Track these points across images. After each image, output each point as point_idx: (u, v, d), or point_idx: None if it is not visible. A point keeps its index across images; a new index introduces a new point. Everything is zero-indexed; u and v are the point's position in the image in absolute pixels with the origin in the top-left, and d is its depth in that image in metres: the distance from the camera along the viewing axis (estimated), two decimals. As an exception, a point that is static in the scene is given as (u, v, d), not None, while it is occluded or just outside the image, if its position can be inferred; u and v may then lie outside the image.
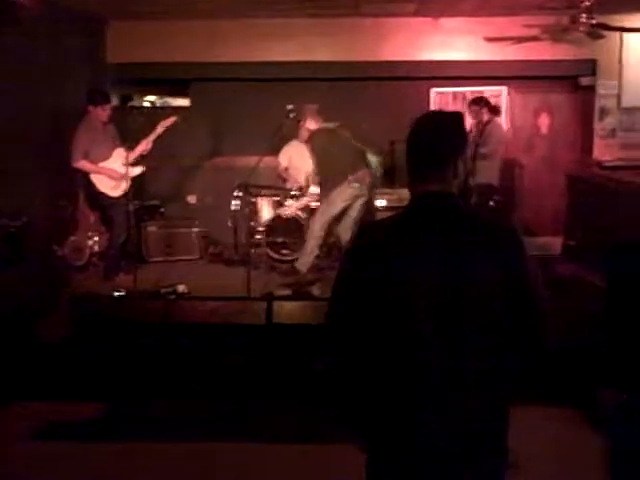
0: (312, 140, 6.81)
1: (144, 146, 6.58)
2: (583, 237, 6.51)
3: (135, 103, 9.46)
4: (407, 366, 1.90)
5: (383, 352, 1.94)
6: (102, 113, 6.42)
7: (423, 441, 1.90)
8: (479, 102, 7.65)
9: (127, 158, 6.18)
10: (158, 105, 9.84)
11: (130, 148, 6.40)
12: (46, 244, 6.26)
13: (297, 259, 6.66)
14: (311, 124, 6.82)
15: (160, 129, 6.59)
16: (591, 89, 8.63)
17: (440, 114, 2.18)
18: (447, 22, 8.34)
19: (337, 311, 2.05)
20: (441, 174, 1.98)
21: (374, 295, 1.93)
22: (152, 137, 6.60)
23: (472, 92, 8.73)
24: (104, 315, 5.25)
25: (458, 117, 2.11)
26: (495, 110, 7.66)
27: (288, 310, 5.29)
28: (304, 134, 7.49)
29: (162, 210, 8.07)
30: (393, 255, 1.92)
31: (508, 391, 2.00)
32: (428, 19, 8.31)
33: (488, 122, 7.48)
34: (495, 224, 2.05)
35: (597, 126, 8.64)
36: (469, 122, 7.67)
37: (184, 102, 9.40)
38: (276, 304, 5.29)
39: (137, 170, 6.64)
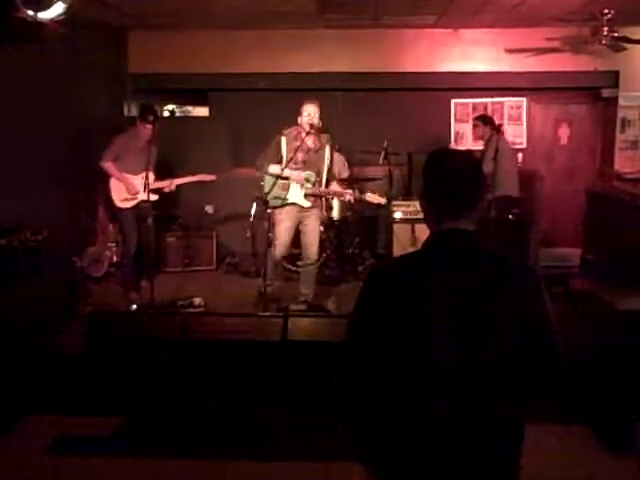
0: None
1: (169, 185, 6.47)
2: (601, 252, 6.43)
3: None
4: (425, 395, 1.95)
5: (400, 380, 1.99)
6: (142, 130, 6.30)
7: (434, 463, 1.94)
8: (483, 120, 7.56)
9: (147, 177, 5.98)
10: (178, 114, 9.90)
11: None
12: (66, 256, 6.31)
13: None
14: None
15: (194, 179, 6.54)
16: (613, 100, 8.58)
17: (466, 153, 2.23)
18: (467, 33, 8.35)
19: (355, 339, 2.10)
20: (471, 212, 2.06)
21: (393, 329, 1.98)
22: (182, 181, 6.54)
23: (492, 103, 8.72)
24: (120, 329, 5.29)
25: (477, 158, 2.21)
26: (498, 129, 7.53)
27: (303, 326, 5.29)
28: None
29: (180, 220, 8.11)
30: (416, 292, 1.96)
31: (524, 414, 2.04)
32: (449, 30, 8.32)
33: (491, 137, 7.35)
34: (513, 264, 2.09)
35: (618, 138, 8.59)
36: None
37: (203, 111, 9.44)
38: (291, 320, 5.30)
39: (152, 197, 6.23)
